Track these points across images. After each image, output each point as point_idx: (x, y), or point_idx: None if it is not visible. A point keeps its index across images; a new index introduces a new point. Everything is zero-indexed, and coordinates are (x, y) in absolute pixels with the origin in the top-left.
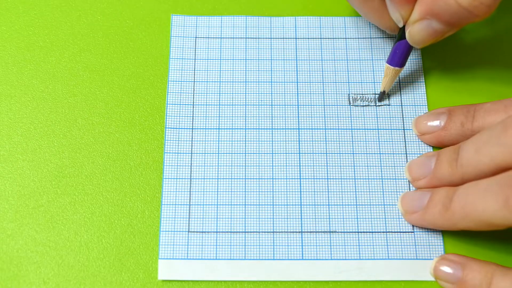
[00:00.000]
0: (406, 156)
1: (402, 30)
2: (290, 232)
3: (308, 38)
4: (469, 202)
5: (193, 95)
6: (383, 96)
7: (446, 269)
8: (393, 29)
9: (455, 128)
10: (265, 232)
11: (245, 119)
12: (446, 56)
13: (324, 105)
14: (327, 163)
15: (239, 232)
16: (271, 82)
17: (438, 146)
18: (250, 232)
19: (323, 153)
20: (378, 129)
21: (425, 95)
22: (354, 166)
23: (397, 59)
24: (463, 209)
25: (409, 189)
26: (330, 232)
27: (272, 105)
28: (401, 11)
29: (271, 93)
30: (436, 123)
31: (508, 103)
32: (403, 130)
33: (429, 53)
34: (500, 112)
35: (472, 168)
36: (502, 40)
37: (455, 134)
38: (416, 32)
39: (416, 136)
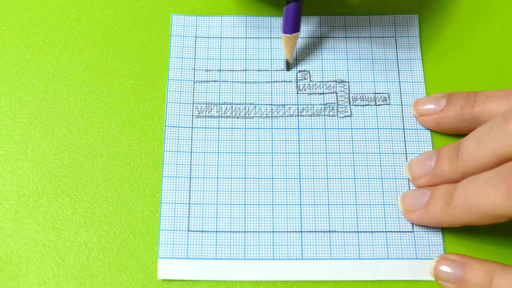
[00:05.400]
0: (406, 155)
1: None
2: (290, 231)
3: (308, 38)
4: (471, 195)
5: (193, 94)
6: (289, 65)
7: (446, 268)
8: None
9: (454, 110)
10: (265, 231)
11: (245, 118)
12: (446, 56)
13: (324, 104)
14: (327, 163)
15: (239, 231)
16: (271, 82)
17: (435, 130)
18: (250, 231)
19: (323, 153)
20: (378, 128)
21: (425, 95)
22: (354, 166)
23: (291, 24)
24: (465, 203)
25: (409, 188)
26: (330, 232)
27: (272, 104)
28: None
29: (271, 93)
30: (435, 105)
31: (510, 92)
32: (403, 130)
33: (430, 53)
34: (501, 99)
35: (474, 162)
36: (506, 42)
37: (454, 118)
38: None
39: (415, 117)
